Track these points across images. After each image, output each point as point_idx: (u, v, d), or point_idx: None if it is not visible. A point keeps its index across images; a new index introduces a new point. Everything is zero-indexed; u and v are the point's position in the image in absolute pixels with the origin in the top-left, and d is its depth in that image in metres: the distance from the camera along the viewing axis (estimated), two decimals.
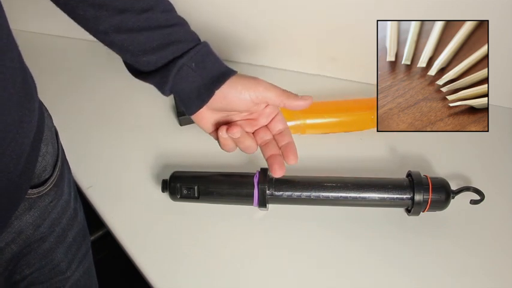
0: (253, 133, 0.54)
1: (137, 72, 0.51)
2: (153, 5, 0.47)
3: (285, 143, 0.53)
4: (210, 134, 0.54)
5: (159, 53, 0.48)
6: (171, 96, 0.76)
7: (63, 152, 0.55)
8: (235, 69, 0.51)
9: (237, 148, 0.53)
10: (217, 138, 0.53)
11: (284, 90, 0.51)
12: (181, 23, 0.50)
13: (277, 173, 0.52)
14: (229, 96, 0.49)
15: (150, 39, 0.47)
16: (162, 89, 0.50)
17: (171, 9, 0.50)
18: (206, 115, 0.52)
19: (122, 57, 0.50)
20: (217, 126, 0.52)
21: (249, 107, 0.51)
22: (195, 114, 0.51)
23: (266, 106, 0.53)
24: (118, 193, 0.66)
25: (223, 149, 0.53)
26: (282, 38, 0.79)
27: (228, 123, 0.51)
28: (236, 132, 0.49)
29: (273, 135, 0.54)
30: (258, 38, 0.80)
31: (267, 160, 0.53)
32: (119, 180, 0.68)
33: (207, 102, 0.50)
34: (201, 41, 0.51)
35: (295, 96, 0.51)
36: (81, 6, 0.45)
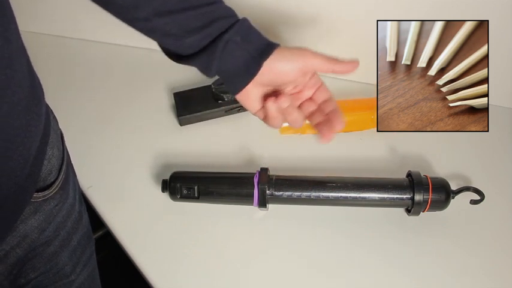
0: (298, 106, 0.53)
1: (180, 57, 0.49)
2: None
3: (330, 110, 0.52)
4: (255, 114, 0.52)
5: (203, 31, 0.46)
6: (171, 96, 0.77)
7: (68, 155, 0.55)
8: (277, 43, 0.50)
9: (283, 124, 0.52)
10: (263, 117, 0.52)
11: (331, 57, 0.50)
12: (219, 1, 0.49)
13: (326, 136, 0.50)
14: (278, 67, 0.48)
15: (192, 18, 0.46)
16: (208, 68, 0.48)
17: None
18: (252, 92, 0.50)
19: (164, 43, 0.49)
20: (264, 103, 0.50)
21: (297, 77, 0.50)
22: (241, 93, 0.50)
23: (311, 77, 0.52)
24: (118, 193, 0.66)
25: (270, 125, 0.52)
26: (282, 38, 0.78)
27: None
28: (285, 101, 0.48)
29: (318, 105, 0.53)
30: None
31: (315, 127, 0.52)
32: (119, 180, 0.68)
33: (255, 75, 0.49)
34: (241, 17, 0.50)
35: (342, 60, 0.50)
36: None
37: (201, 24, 0.46)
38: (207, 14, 0.46)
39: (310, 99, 0.53)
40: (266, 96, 0.50)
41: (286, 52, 0.49)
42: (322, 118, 0.51)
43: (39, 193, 0.48)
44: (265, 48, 0.48)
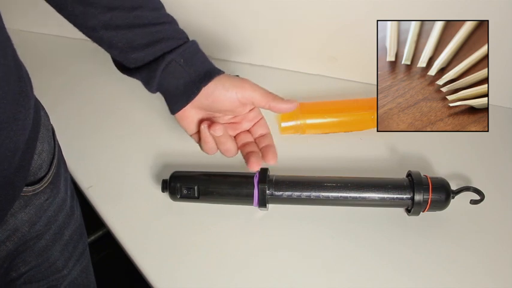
0: (234, 137, 0.54)
1: (124, 68, 0.51)
2: (142, 3, 0.47)
3: (265, 145, 0.53)
4: (191, 136, 0.54)
5: (147, 49, 0.48)
6: None
7: (60, 150, 0.55)
8: (223, 70, 0.51)
9: (218, 151, 0.53)
10: (198, 140, 0.53)
11: (270, 92, 0.51)
12: (170, 21, 0.50)
13: (253, 166, 0.51)
14: (216, 94, 0.49)
15: (139, 36, 0.47)
16: (149, 84, 0.50)
17: (160, 7, 0.50)
18: (190, 113, 0.52)
19: (110, 54, 0.51)
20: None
21: (235, 107, 0.51)
22: (178, 113, 0.51)
23: (250, 110, 0.53)
24: (118, 193, 0.66)
25: (203, 150, 0.53)
26: (282, 38, 0.79)
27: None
28: (218, 129, 0.49)
29: (254, 139, 0.54)
30: (258, 38, 0.80)
31: (244, 156, 0.52)
32: (119, 180, 0.68)
33: (193, 99, 0.50)
34: (190, 39, 0.51)
35: (281, 98, 0.51)
36: (70, 2, 0.45)
37: (146, 42, 0.48)
38: (154, 34, 0.48)
39: (248, 131, 0.54)
40: (203, 120, 0.52)
41: (226, 81, 0.50)
42: (254, 149, 0.53)
43: (29, 187, 0.48)
44: (206, 73, 0.50)
